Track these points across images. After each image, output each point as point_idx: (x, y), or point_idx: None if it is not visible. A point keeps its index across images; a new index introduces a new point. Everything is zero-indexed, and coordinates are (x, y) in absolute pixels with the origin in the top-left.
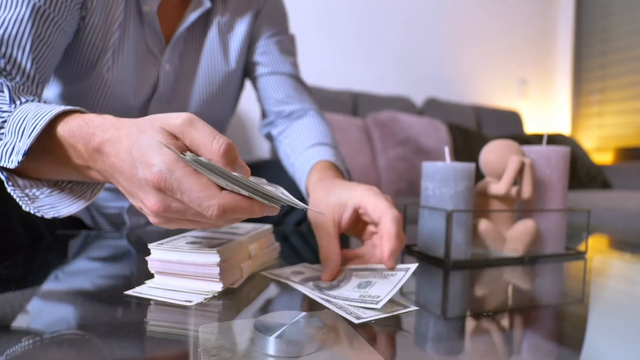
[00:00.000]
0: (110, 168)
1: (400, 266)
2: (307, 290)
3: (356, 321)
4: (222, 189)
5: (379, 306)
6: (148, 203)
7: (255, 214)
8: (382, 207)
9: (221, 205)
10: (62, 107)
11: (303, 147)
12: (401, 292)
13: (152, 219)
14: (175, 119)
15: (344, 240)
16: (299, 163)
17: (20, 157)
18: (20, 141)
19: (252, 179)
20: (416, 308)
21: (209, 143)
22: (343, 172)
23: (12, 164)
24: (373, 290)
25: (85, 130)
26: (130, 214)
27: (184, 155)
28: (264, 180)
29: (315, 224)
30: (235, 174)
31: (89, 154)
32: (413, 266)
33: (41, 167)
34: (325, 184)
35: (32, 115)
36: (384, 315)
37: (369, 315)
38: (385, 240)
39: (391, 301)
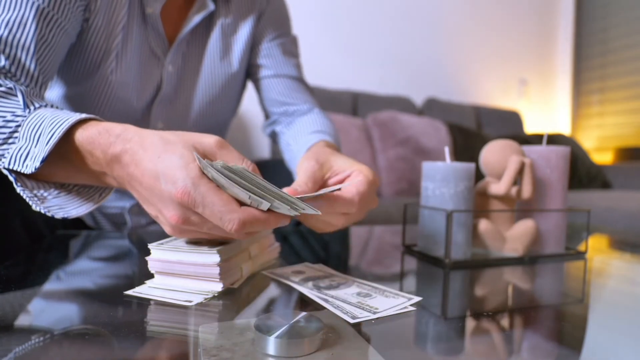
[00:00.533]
0: (129, 176)
1: (403, 293)
2: (306, 290)
3: (352, 320)
4: (241, 204)
5: (374, 316)
6: (168, 214)
7: (270, 227)
8: (364, 168)
9: (241, 219)
10: (80, 115)
11: (305, 133)
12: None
13: (167, 229)
14: (207, 139)
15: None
16: (299, 146)
17: (37, 164)
18: (35, 147)
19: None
20: (419, 298)
21: (239, 164)
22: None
23: (27, 169)
24: (372, 302)
25: (105, 137)
26: (131, 214)
27: (214, 163)
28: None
29: (300, 165)
30: (261, 180)
31: (107, 161)
32: (416, 298)
33: (55, 171)
34: (329, 149)
35: (49, 122)
36: (379, 315)
37: (365, 316)
38: (351, 191)
39: (393, 294)
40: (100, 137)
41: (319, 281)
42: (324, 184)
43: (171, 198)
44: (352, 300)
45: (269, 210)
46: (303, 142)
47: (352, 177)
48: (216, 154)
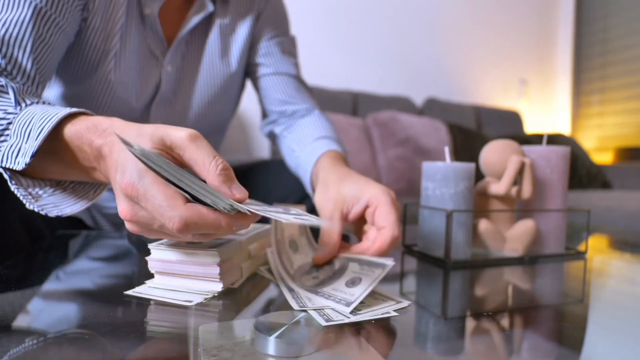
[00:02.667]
0: (106, 168)
1: (379, 260)
2: (288, 290)
3: (324, 323)
4: (189, 201)
5: (349, 309)
6: (119, 208)
7: (223, 230)
8: (391, 221)
9: (182, 217)
10: (69, 110)
11: (309, 140)
12: (401, 292)
13: (127, 226)
14: (178, 132)
15: (344, 238)
16: (305, 154)
17: (27, 159)
18: (26, 143)
19: (255, 203)
20: (408, 303)
21: (207, 162)
22: (350, 166)
23: (18, 166)
24: (356, 290)
25: (92, 132)
26: None
27: (133, 147)
28: (262, 204)
29: (320, 209)
30: (184, 171)
31: (94, 155)
32: (405, 302)
33: (47, 168)
34: (338, 170)
35: (39, 117)
36: (351, 320)
37: (340, 319)
38: (373, 250)
39: (383, 296)
40: (89, 131)
41: (319, 272)
42: (345, 220)
43: (121, 190)
44: (337, 295)
45: (218, 210)
46: (309, 150)
47: (379, 212)
48: (185, 148)
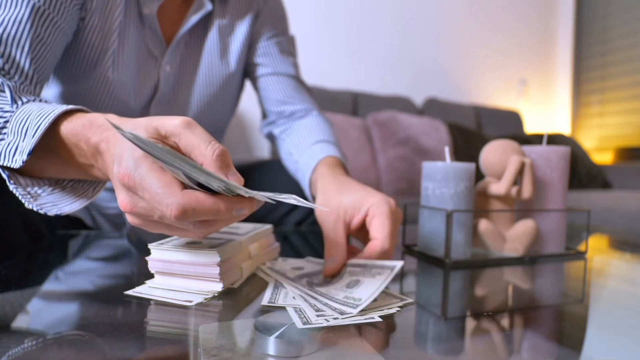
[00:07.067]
0: (104, 164)
1: (387, 263)
2: (291, 287)
3: (301, 325)
4: (185, 187)
5: (356, 311)
6: (119, 200)
7: (222, 214)
8: (383, 234)
9: (180, 204)
10: (66, 107)
11: (307, 144)
12: (401, 292)
13: (128, 219)
14: (173, 120)
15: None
16: (304, 159)
17: (25, 157)
18: (23, 141)
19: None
20: (411, 300)
21: (204, 147)
22: (349, 171)
23: (16, 164)
24: (358, 292)
25: (88, 129)
26: None
27: (125, 132)
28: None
29: (323, 222)
30: (179, 155)
31: (91, 152)
32: (399, 265)
33: (45, 166)
34: (337, 179)
35: (36, 115)
36: (341, 322)
37: (319, 322)
38: (363, 254)
39: (385, 294)
40: (84, 128)
41: (314, 277)
42: (348, 230)
43: (118, 180)
44: (339, 296)
45: (217, 194)
46: (307, 155)
47: (374, 222)
48: (180, 134)
